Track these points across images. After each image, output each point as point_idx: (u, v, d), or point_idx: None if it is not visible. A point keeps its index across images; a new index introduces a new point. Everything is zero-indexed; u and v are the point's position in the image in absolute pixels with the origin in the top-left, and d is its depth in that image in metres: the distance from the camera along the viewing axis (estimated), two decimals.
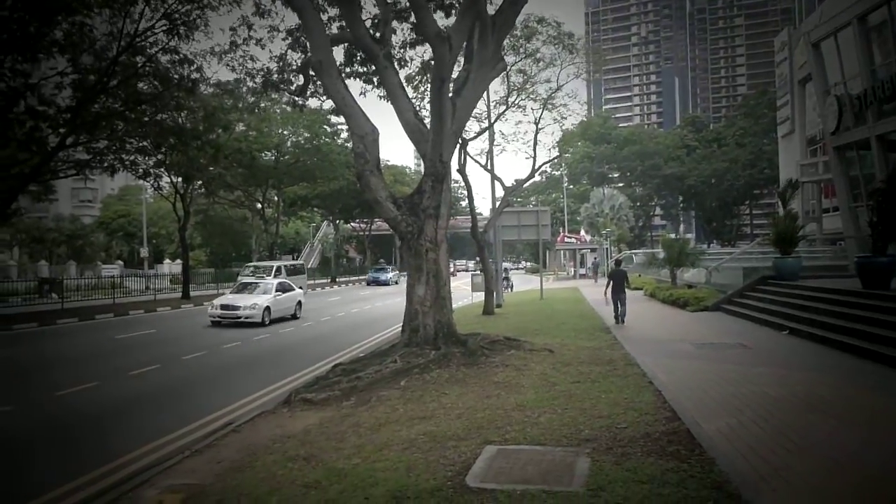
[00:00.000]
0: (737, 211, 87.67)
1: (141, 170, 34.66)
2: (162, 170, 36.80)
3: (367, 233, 77.62)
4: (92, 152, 31.63)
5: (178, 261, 51.51)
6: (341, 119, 46.04)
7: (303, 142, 51.81)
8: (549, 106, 28.82)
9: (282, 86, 19.55)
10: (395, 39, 16.97)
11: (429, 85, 18.04)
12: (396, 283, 55.11)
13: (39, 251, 57.84)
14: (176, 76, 28.25)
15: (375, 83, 17.63)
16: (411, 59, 20.97)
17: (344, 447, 7.53)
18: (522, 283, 50.72)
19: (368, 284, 56.45)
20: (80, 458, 7.87)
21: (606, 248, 59.16)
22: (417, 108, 16.36)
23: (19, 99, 27.53)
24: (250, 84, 25.07)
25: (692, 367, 11.75)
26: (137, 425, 9.62)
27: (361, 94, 23.63)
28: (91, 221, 72.88)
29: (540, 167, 32.63)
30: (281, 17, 32.45)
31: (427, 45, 16.75)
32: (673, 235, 61.79)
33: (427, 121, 14.56)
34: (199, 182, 41.09)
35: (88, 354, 17.33)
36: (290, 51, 17.81)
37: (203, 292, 43.35)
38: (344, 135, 52.20)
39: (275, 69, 18.09)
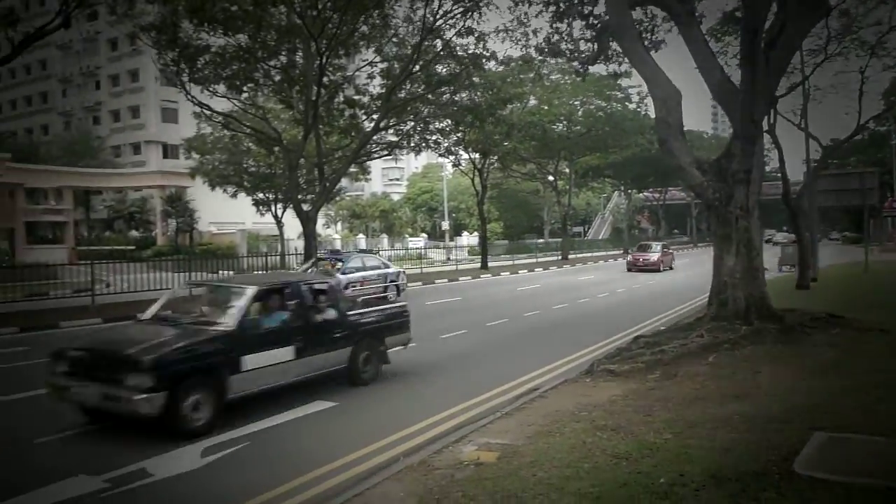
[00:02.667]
0: None
1: (442, 148, 37.03)
2: (461, 147, 38.92)
3: (660, 202, 75.02)
4: (399, 134, 34.48)
5: (476, 233, 54.29)
6: (632, 83, 45.05)
7: (594, 109, 51.40)
8: (880, 52, 25.22)
9: (570, 54, 19.43)
10: None
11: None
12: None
13: (357, 226, 64.66)
14: (469, 56, 29.59)
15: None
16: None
17: (653, 421, 7.31)
18: (837, 255, 45.39)
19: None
20: (403, 413, 8.61)
21: None
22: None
23: (339, 91, 30.87)
24: (536, 56, 25.44)
25: None
26: (451, 385, 10.29)
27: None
28: (399, 198, 79.75)
29: (864, 123, 28.73)
30: None
31: None
32: None
33: (734, 78, 13.51)
34: (495, 157, 42.76)
35: None
36: (573, 20, 17.55)
37: (499, 263, 45.29)
38: (636, 98, 50.86)
39: (562, 37, 17.92)
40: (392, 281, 25.40)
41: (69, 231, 50.81)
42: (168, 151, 63.58)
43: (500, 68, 33.14)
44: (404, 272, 27.50)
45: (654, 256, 38.64)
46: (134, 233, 54.43)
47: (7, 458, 7.05)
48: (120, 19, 27.66)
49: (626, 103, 52.01)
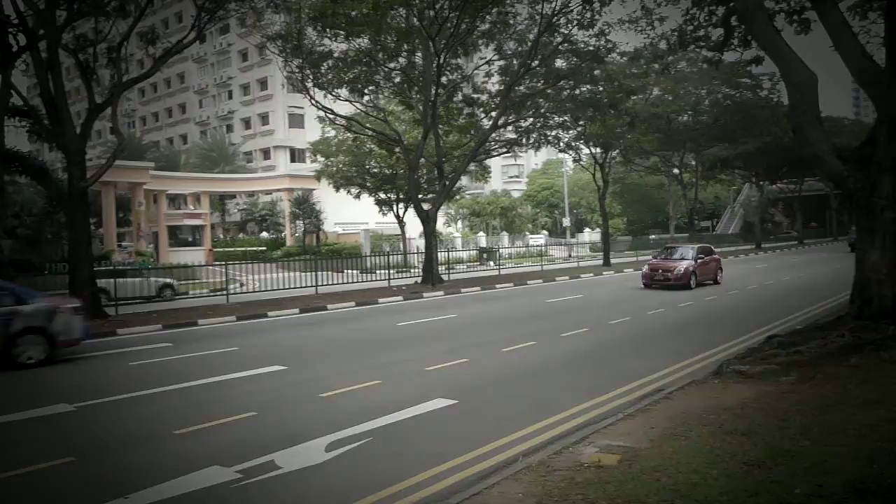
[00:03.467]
0: None
1: (562, 143, 36.58)
2: (581, 142, 38.30)
3: (796, 193, 70.82)
4: (518, 131, 34.31)
5: (598, 229, 53.26)
6: (763, 69, 42.75)
7: (721, 98, 49.20)
8: None
9: (699, 42, 18.76)
10: None
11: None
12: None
13: (478, 224, 64.90)
14: (589, 49, 29.03)
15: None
16: None
17: (788, 426, 6.88)
18: None
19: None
20: (522, 412, 8.53)
21: None
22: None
23: (457, 90, 31.11)
24: (662, 46, 24.66)
25: None
26: (571, 384, 10.11)
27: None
28: (519, 195, 79.43)
29: None
30: None
31: None
32: None
33: (877, 58, 12.52)
34: (617, 150, 41.79)
35: (526, 316, 18.82)
36: (712, 6, 16.89)
37: (622, 259, 44.24)
38: (767, 85, 48.37)
39: (695, 25, 17.31)
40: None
41: (206, 234, 53.91)
42: (295, 155, 66.34)
43: (623, 60, 32.34)
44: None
45: (681, 266, 25.40)
46: (265, 234, 57.06)
47: (150, 448, 7.53)
48: (249, 31, 29.12)
49: (757, 90, 49.51)
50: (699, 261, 26.04)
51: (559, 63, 30.74)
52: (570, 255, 46.65)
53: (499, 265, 37.56)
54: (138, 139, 70.83)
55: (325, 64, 28.00)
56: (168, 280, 26.73)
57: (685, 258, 26.14)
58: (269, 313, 20.33)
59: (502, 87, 30.35)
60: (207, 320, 18.91)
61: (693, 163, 55.29)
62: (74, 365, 13.01)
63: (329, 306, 21.95)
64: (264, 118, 69.69)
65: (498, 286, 28.31)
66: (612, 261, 40.88)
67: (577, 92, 31.75)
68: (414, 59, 29.59)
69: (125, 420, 8.81)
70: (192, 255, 42.79)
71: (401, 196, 43.31)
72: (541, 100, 31.81)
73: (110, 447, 7.58)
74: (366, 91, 30.64)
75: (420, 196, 34.86)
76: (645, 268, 26.97)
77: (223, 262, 28.13)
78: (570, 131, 36.29)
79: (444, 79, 28.39)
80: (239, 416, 8.51)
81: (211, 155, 65.61)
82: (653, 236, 64.52)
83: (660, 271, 25.61)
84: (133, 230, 48.49)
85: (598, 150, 40.01)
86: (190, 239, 54.64)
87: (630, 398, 9.06)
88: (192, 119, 76.83)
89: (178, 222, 53.84)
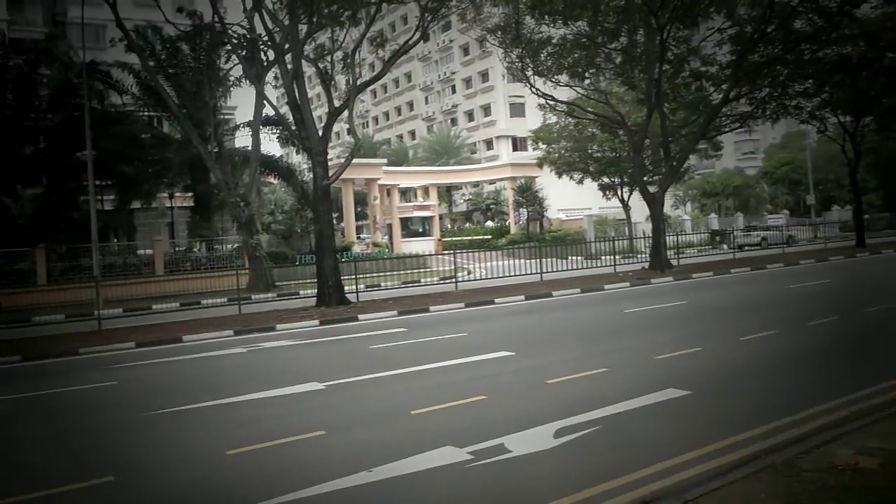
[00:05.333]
0: None
1: (805, 113, 33.52)
2: (827, 110, 34.83)
3: None
4: (753, 103, 31.93)
5: (848, 207, 48.17)
6: None
7: None
8: None
9: None
10: None
11: None
12: None
13: (709, 205, 61.52)
14: (835, 5, 26.18)
15: None
16: None
17: None
18: None
19: None
20: (763, 406, 7.93)
21: None
22: None
23: (684, 65, 29.57)
24: None
25: None
26: (818, 378, 9.22)
27: None
28: (754, 172, 74.03)
29: None
30: None
31: None
32: None
33: None
34: (871, 117, 37.37)
35: (765, 303, 17.51)
36: None
37: (879, 239, 39.69)
38: None
39: None
40: None
41: (435, 224, 56.35)
42: (517, 144, 67.24)
43: (875, 12, 28.79)
44: None
45: None
46: (490, 223, 58.45)
47: (389, 426, 8.01)
48: (469, 25, 29.86)
49: None
50: None
51: (799, 25, 28.07)
52: (815, 237, 42.66)
53: (733, 248, 35.29)
54: (371, 138, 75.80)
55: (543, 51, 28.03)
56: None
57: None
58: (496, 300, 20.80)
59: (734, 58, 28.37)
60: (438, 307, 19.77)
61: None
62: (322, 347, 14.21)
63: (554, 293, 21.98)
64: (486, 110, 71.40)
65: (733, 271, 26.60)
66: (869, 241, 36.73)
67: (821, 54, 28.80)
68: (635, 38, 28.63)
69: (367, 399, 9.46)
70: (423, 245, 44.98)
71: (625, 179, 42.38)
72: (778, 67, 29.25)
73: (354, 423, 8.17)
74: (586, 75, 30.21)
75: (645, 178, 33.76)
76: None
77: (451, 251, 29.26)
78: (814, 99, 33.08)
79: (668, 54, 27.15)
80: (469, 400, 8.77)
81: (437, 148, 68.51)
82: None
83: None
84: (369, 223, 52.06)
85: (848, 118, 36.06)
86: (420, 230, 57.48)
87: (891, 396, 8.05)
88: (419, 115, 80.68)
89: (409, 214, 56.82)
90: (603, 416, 7.73)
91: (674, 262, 29.11)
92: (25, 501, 6.11)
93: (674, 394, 8.56)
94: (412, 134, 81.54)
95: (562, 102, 31.43)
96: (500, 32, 27.58)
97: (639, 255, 32.77)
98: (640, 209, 38.51)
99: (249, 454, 7.10)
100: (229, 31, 25.61)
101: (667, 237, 29.67)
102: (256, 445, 7.29)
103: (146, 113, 36.58)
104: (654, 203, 28.28)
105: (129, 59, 31.60)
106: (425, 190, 57.97)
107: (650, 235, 29.67)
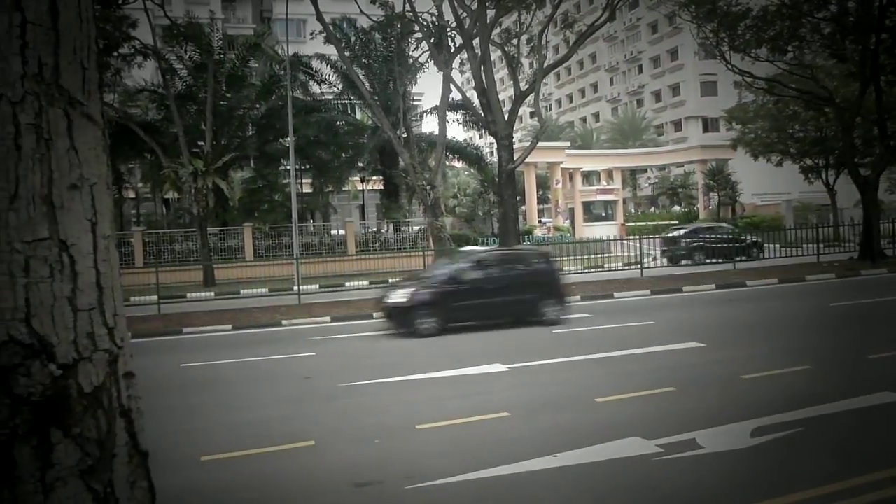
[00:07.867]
0: None
1: None
2: None
3: None
4: None
5: None
6: None
7: None
8: None
9: None
10: None
11: None
12: None
13: None
14: None
15: None
16: None
17: None
18: None
19: None
20: None
21: None
22: None
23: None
24: None
25: None
26: None
27: None
28: None
29: None
30: None
31: None
32: None
33: None
34: None
35: None
36: None
37: None
38: None
39: None
40: None
41: (619, 208, 54.96)
42: (708, 125, 63.93)
43: None
44: None
45: None
46: (677, 208, 56.07)
47: (574, 412, 7.94)
48: (660, 1, 28.63)
49: None
50: None
51: None
52: None
53: None
54: (555, 121, 75.16)
55: (741, 24, 26.30)
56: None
57: None
58: (684, 288, 19.99)
59: None
60: (623, 293, 19.33)
61: None
62: (507, 331, 14.33)
63: (748, 282, 20.75)
64: (675, 89, 68.42)
65: None
66: None
67: None
68: (847, 4, 26.10)
69: (549, 383, 9.46)
70: (605, 230, 44.06)
71: (831, 161, 39.02)
72: None
73: (537, 407, 8.19)
74: (789, 48, 27.98)
75: (856, 160, 30.82)
76: None
77: (635, 237, 28.40)
78: None
79: (886, 21, 24.51)
80: (657, 391, 8.50)
81: (622, 130, 66.70)
82: None
83: None
84: (551, 206, 51.71)
85: None
86: (603, 214, 56.31)
87: None
88: (603, 97, 78.84)
89: (592, 198, 55.80)
90: (807, 418, 7.20)
91: (888, 253, 26.43)
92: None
93: (890, 398, 7.78)
94: (596, 116, 79.87)
95: (760, 79, 29.38)
96: (693, 6, 26.21)
97: (846, 244, 30.04)
98: (847, 194, 35.41)
99: (437, 430, 7.34)
100: (420, 19, 26.38)
101: (881, 225, 27.01)
102: (443, 423, 7.52)
103: (341, 101, 38.67)
104: (867, 187, 25.83)
105: (327, 51, 33.51)
106: (609, 173, 56.62)
107: (859, 223, 27.16)
